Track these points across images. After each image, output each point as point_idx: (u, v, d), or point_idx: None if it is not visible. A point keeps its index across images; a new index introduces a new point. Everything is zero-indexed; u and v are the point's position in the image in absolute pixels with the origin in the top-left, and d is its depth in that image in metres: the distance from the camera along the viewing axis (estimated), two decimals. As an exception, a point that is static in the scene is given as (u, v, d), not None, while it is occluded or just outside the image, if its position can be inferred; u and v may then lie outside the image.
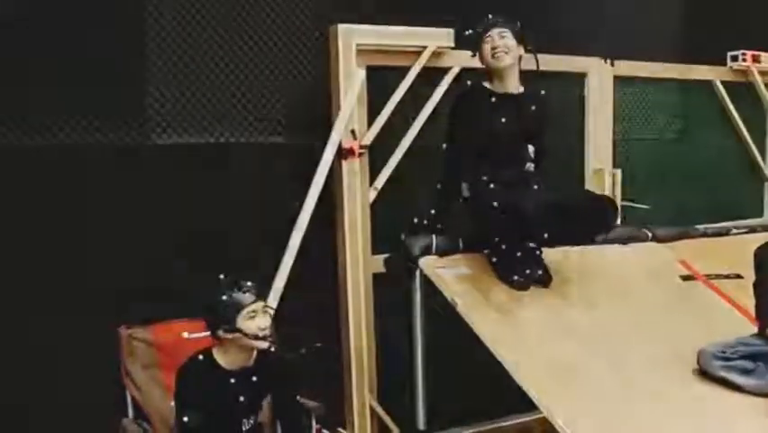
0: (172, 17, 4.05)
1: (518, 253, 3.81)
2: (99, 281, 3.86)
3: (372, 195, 4.21)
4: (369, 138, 4.15)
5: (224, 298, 3.31)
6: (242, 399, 3.37)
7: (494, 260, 3.83)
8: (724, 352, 3.56)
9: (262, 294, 3.41)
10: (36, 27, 3.77)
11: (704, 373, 3.53)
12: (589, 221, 3.86)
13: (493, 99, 3.91)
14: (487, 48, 3.89)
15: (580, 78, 4.82)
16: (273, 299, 3.89)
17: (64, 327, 3.76)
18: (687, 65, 5.25)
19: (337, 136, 4.06)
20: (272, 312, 3.44)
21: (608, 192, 4.70)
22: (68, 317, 3.76)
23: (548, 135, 4.10)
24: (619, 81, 4.86)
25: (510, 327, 3.59)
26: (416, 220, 4.03)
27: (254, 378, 3.40)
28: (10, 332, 3.72)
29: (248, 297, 3.32)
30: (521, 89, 3.99)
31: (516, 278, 3.79)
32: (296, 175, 4.17)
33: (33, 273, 3.78)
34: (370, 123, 4.18)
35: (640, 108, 5.04)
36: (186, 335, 3.71)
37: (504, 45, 3.86)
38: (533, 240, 3.86)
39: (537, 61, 3.94)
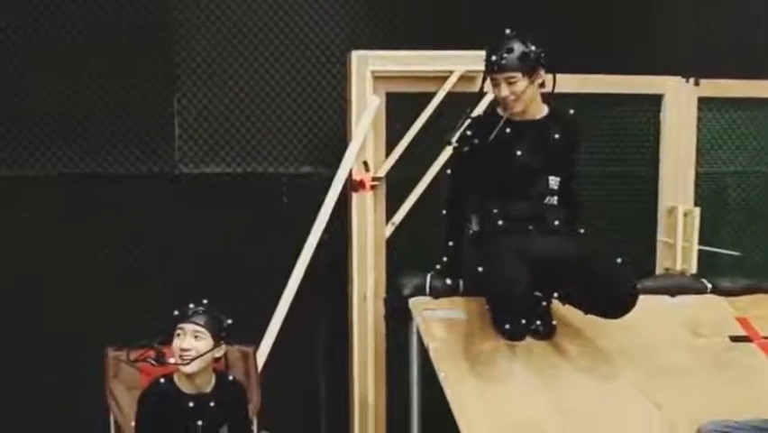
0: (201, 49, 4.35)
1: (518, 301, 3.63)
2: (114, 303, 4.26)
3: (389, 230, 4.21)
4: (384, 169, 4.15)
5: (175, 313, 3.48)
6: (199, 423, 3.48)
7: (489, 305, 3.69)
8: (726, 429, 3.22)
9: (209, 322, 3.46)
10: (66, 61, 4.21)
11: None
12: (597, 300, 3.58)
13: (508, 130, 3.74)
14: (495, 91, 3.66)
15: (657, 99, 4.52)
16: (268, 338, 4.04)
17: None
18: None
19: (346, 168, 4.10)
20: (207, 341, 3.44)
21: (680, 235, 4.35)
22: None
23: (576, 163, 3.84)
24: (704, 103, 4.51)
25: (479, 382, 3.40)
26: (444, 259, 3.98)
27: (212, 403, 3.50)
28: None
29: (185, 316, 3.44)
30: (544, 112, 3.73)
31: (507, 327, 3.54)
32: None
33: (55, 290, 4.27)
34: (390, 153, 4.20)
35: (728, 135, 4.63)
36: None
37: (512, 93, 3.58)
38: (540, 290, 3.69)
39: (554, 83, 3.67)
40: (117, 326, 4.18)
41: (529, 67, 3.58)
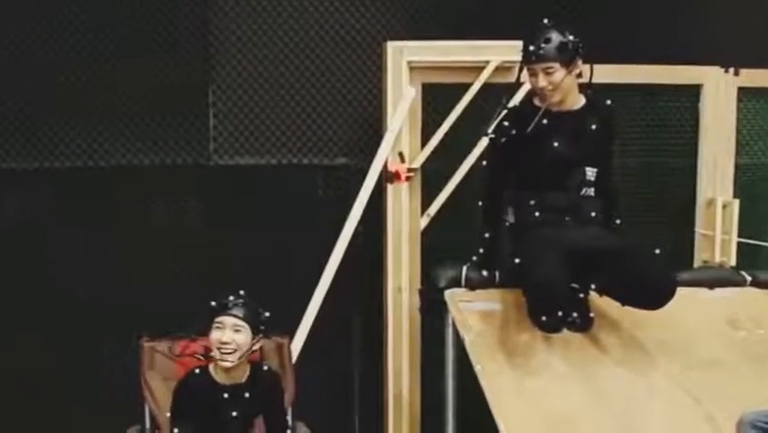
0: (236, 40, 4.39)
1: (554, 293, 3.65)
2: (148, 293, 4.33)
3: (425, 222, 4.23)
4: (419, 161, 4.17)
5: (212, 304, 3.54)
6: (234, 414, 3.54)
7: (526, 297, 3.70)
8: None
9: (249, 315, 3.51)
10: (103, 57, 4.28)
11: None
12: (634, 292, 3.59)
13: (545, 121, 3.72)
14: (532, 81, 3.67)
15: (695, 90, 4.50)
16: (303, 329, 4.09)
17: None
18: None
19: (381, 159, 4.12)
20: (247, 334, 3.50)
21: (719, 227, 4.35)
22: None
23: (615, 153, 3.88)
24: (744, 93, 4.47)
25: (515, 374, 3.43)
26: (481, 250, 4.00)
27: (247, 394, 3.56)
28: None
29: (224, 309, 3.50)
30: (581, 103, 3.73)
31: (544, 319, 3.57)
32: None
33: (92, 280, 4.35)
34: (425, 144, 4.22)
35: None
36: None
37: (550, 83, 3.60)
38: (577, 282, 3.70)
39: (591, 74, 3.68)
40: (151, 316, 4.21)
41: (567, 57, 3.58)
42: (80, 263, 4.36)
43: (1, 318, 4.29)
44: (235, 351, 3.46)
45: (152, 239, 4.42)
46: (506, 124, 3.72)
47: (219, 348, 3.46)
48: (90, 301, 4.36)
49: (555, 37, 3.58)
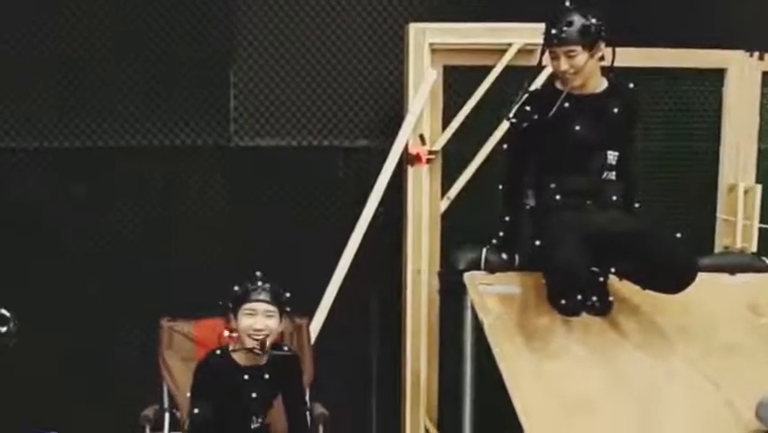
0: (258, 21, 4.41)
1: (574, 276, 3.66)
2: (167, 274, 4.38)
3: (445, 204, 4.25)
4: (440, 143, 4.19)
5: (236, 288, 3.57)
6: (253, 395, 3.59)
7: (546, 280, 3.72)
8: None
9: (278, 299, 3.56)
10: (125, 35, 4.32)
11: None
12: (655, 276, 3.61)
13: (566, 104, 3.71)
14: (554, 64, 3.67)
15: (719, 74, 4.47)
16: (322, 310, 4.12)
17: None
18: None
19: (402, 141, 4.14)
20: (277, 318, 3.55)
21: (740, 213, 4.34)
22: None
23: (637, 137, 3.89)
24: (769, 79, 4.46)
25: (534, 357, 3.45)
26: (501, 234, 4.01)
27: (266, 376, 3.60)
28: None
29: (255, 294, 3.52)
30: (603, 86, 3.72)
31: (563, 302, 3.59)
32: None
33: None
34: (446, 126, 4.23)
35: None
36: (226, 333, 3.99)
37: (572, 66, 3.59)
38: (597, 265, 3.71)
39: (614, 57, 3.65)
40: (170, 296, 4.28)
41: (589, 40, 3.58)
42: (99, 244, 4.41)
43: (16, 298, 4.35)
44: (268, 336, 3.51)
45: (172, 220, 4.46)
46: (527, 108, 3.72)
47: (251, 335, 3.50)
48: (108, 282, 4.41)
49: (578, 20, 3.57)
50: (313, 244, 4.40)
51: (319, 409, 3.85)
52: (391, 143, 4.23)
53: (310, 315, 4.10)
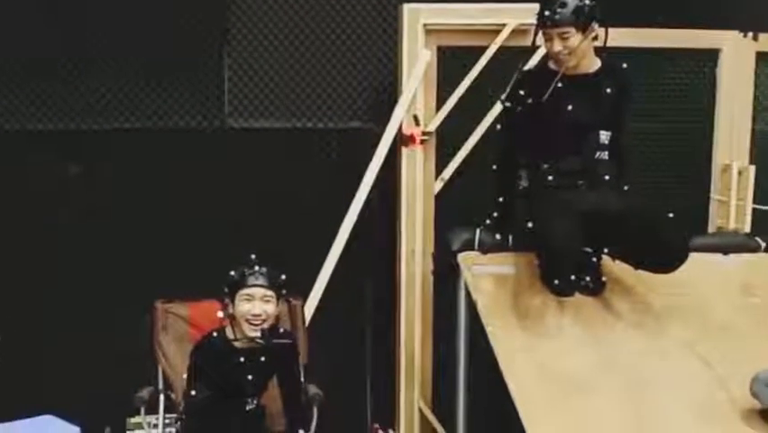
0: (252, 2, 4.40)
1: (567, 256, 3.69)
2: (162, 255, 4.40)
3: (438, 186, 4.27)
4: (434, 124, 4.20)
5: (233, 273, 3.58)
6: (249, 377, 3.62)
7: (539, 260, 3.74)
8: None
9: (275, 283, 3.59)
10: (118, 18, 4.30)
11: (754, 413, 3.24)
12: (647, 255, 3.63)
13: (559, 85, 3.70)
14: (547, 45, 3.68)
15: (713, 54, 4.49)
16: (317, 292, 4.14)
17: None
18: None
19: (396, 122, 4.16)
20: (274, 302, 3.58)
21: (734, 193, 4.37)
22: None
23: (629, 117, 3.86)
24: (762, 59, 4.46)
25: (527, 337, 3.48)
26: (494, 214, 4.01)
27: (263, 358, 3.63)
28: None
29: (252, 279, 3.54)
30: (597, 66, 3.74)
31: (557, 282, 3.61)
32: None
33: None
34: (440, 107, 4.24)
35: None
36: (220, 314, 4.00)
37: (565, 48, 3.61)
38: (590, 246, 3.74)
39: (606, 37, 3.65)
40: (166, 278, 4.28)
41: (583, 21, 3.59)
42: (94, 225, 4.42)
43: (9, 280, 4.39)
44: (265, 321, 3.54)
45: (167, 201, 4.46)
46: (521, 92, 3.74)
47: (249, 321, 3.53)
48: (102, 263, 4.41)
49: (571, 1, 3.59)
50: (307, 226, 4.41)
51: (313, 389, 3.86)
52: (385, 125, 4.25)
53: (305, 296, 4.12)
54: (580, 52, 3.65)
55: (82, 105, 4.37)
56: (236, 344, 3.61)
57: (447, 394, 4.11)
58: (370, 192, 4.24)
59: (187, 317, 4.05)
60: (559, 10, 3.58)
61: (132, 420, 4.27)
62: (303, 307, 4.08)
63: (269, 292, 3.56)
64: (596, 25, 3.65)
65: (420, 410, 4.26)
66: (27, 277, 4.35)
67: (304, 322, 4.06)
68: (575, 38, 3.60)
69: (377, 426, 4.40)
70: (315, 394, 3.83)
